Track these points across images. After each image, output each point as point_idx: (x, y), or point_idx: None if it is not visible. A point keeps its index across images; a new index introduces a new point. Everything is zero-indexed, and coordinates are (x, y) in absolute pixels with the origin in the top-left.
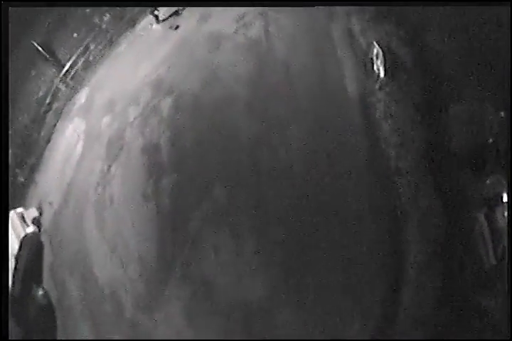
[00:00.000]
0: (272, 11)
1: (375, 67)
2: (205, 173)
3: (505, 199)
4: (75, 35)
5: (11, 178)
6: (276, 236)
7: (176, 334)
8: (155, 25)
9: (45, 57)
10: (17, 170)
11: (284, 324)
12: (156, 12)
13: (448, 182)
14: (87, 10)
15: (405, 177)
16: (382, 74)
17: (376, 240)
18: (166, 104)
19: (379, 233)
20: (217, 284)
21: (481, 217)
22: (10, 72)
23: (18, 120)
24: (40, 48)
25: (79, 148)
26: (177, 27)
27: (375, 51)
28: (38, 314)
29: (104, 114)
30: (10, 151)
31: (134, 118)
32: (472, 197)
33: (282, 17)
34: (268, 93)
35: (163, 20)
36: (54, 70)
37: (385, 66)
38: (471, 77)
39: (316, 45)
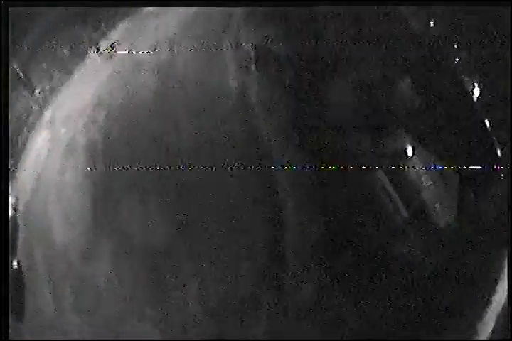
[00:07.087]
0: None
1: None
2: (134, 161)
3: (409, 153)
4: (44, 65)
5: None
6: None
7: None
8: (97, 57)
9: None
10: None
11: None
12: (97, 45)
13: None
14: (53, 42)
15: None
16: (253, 68)
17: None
18: (102, 114)
19: None
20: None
21: (381, 173)
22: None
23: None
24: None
25: (44, 151)
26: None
27: (252, 52)
28: (12, 282)
29: (62, 126)
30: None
31: (83, 126)
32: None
33: (179, 32)
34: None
35: (103, 51)
36: (28, 94)
37: (255, 62)
38: None
39: (209, 60)
